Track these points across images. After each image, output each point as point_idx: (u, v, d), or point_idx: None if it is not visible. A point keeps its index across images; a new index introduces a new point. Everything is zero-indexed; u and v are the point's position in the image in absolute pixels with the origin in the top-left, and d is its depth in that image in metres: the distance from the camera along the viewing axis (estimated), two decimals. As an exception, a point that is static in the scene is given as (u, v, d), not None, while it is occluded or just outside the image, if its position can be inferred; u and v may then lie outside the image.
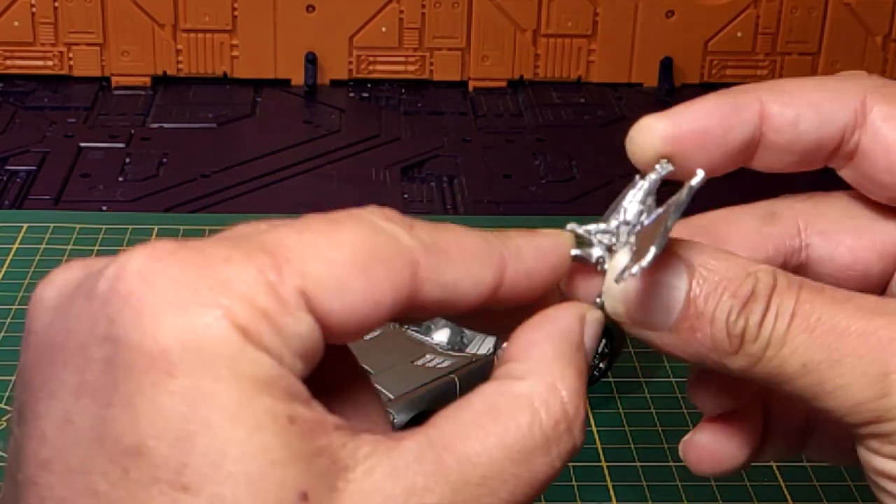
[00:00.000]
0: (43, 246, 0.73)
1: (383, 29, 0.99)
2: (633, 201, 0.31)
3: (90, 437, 0.24)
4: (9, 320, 0.66)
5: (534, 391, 0.27)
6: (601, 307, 0.31)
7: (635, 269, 0.28)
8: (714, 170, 0.32)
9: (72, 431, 0.24)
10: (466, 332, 0.58)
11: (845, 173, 0.33)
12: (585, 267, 0.31)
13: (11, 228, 0.75)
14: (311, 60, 0.99)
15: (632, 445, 0.58)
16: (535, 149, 0.91)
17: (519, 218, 0.79)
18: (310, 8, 0.98)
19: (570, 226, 0.31)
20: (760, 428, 0.35)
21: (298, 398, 0.25)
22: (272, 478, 0.24)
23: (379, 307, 0.26)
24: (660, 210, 0.30)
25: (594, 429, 0.59)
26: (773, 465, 0.57)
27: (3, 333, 0.65)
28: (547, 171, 0.88)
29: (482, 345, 0.58)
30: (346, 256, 0.25)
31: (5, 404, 0.60)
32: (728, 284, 0.29)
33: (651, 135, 0.31)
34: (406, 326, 0.60)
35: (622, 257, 0.30)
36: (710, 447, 0.35)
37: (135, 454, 0.23)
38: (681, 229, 0.33)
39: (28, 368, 0.25)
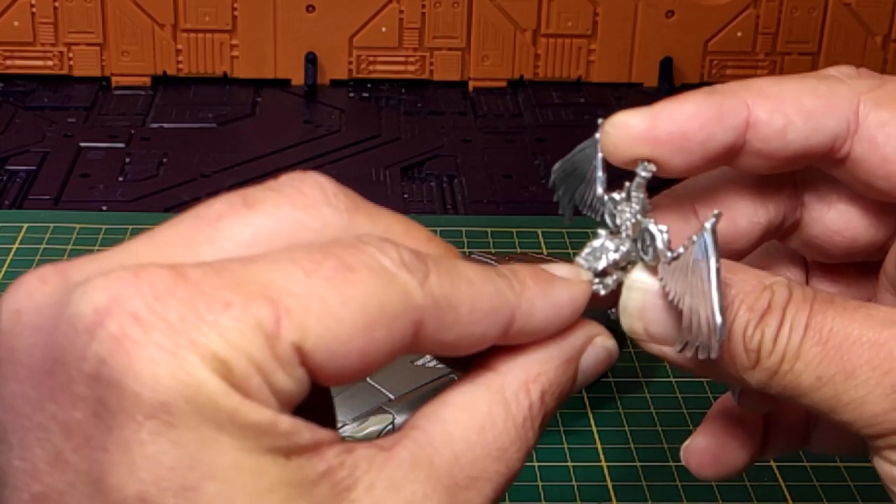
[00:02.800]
0: (43, 246, 0.73)
1: (383, 29, 0.99)
2: (625, 210, 0.31)
3: (86, 480, 0.24)
4: (9, 320, 0.66)
5: (507, 387, 0.27)
6: (616, 320, 0.30)
7: (713, 349, 0.27)
8: (690, 171, 0.31)
9: (67, 471, 0.24)
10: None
11: (835, 173, 0.32)
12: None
13: (11, 228, 0.75)
14: (311, 60, 0.99)
15: (632, 445, 0.58)
16: (535, 149, 0.91)
17: (519, 218, 0.79)
18: (310, 8, 0.98)
19: (581, 267, 0.30)
20: (761, 427, 0.35)
21: (294, 433, 0.24)
22: None
23: (372, 365, 0.25)
24: (680, 251, 0.29)
25: (594, 429, 0.59)
26: (773, 465, 0.56)
27: (3, 333, 0.65)
28: (547, 171, 0.88)
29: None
30: (351, 315, 0.24)
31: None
32: (745, 298, 0.29)
33: (627, 133, 0.31)
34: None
35: (639, 274, 0.30)
36: (712, 450, 0.34)
37: (139, 502, 0.23)
38: (681, 191, 0.33)
39: (9, 389, 0.25)
